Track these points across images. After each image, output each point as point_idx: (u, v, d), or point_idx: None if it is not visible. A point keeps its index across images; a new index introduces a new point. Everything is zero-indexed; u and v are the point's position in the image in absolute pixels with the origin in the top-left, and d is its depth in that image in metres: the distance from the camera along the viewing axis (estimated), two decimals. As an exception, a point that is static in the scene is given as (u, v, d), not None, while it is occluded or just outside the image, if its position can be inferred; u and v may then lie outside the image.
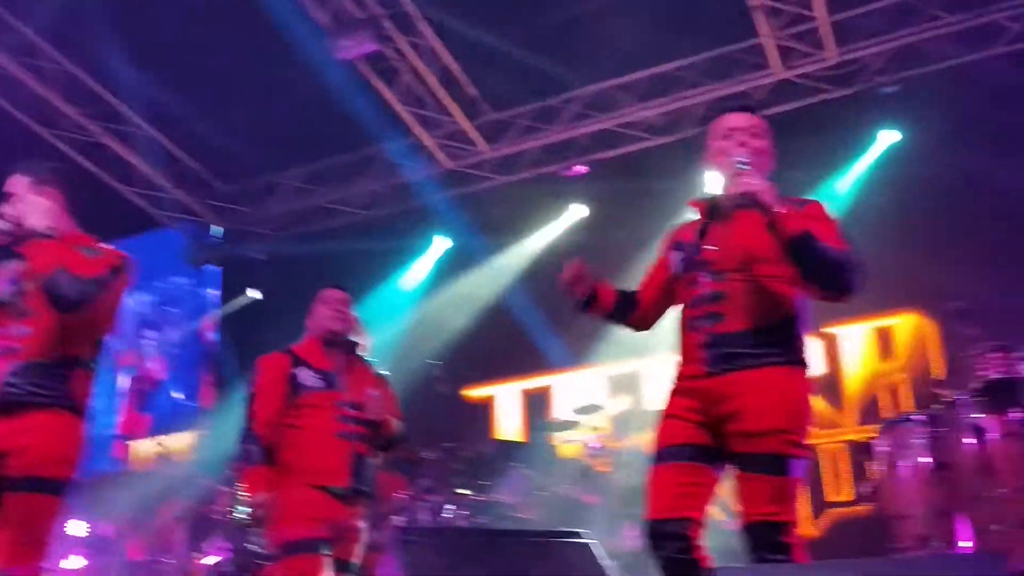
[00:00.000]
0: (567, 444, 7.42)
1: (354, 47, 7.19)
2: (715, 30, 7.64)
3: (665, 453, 2.97)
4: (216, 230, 9.93)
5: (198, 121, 8.41)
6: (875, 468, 5.36)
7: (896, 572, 2.05)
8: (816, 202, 3.03)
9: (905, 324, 7.45)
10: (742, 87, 7.80)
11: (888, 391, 7.32)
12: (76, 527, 6.77)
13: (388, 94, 8.04)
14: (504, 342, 8.54)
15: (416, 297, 9.26)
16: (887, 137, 7.66)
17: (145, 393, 8.53)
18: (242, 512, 6.01)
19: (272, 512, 3.86)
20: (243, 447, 4.00)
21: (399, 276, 9.30)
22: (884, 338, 7.54)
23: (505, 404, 8.95)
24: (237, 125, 8.26)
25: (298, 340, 4.25)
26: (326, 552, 3.82)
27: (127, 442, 8.44)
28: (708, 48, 7.90)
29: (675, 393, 3.05)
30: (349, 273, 6.25)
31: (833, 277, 2.85)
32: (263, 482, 3.91)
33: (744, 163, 2.92)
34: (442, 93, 8.18)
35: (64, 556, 6.56)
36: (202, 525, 6.46)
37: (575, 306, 3.23)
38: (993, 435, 4.75)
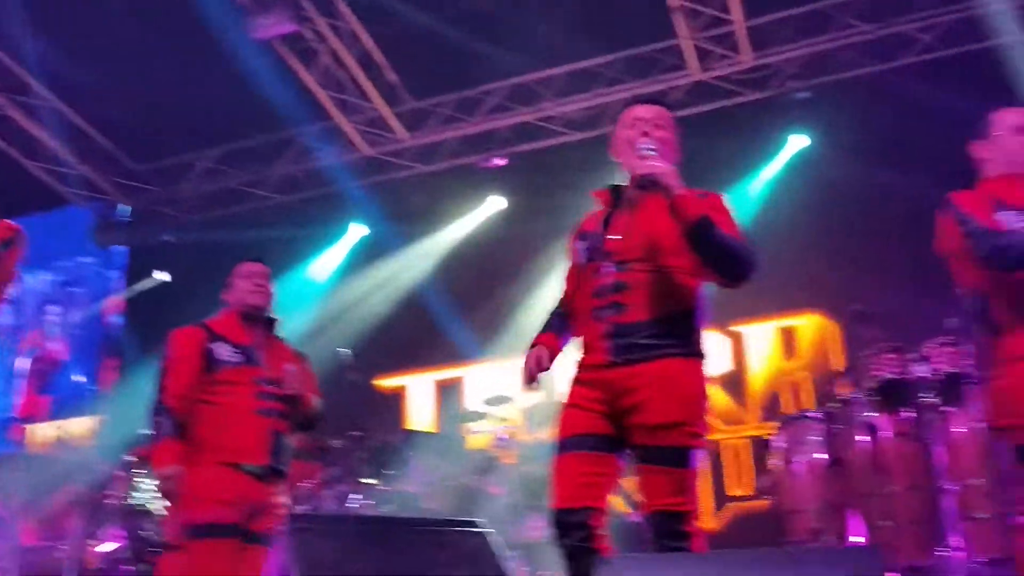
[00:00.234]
0: (476, 435, 7.43)
1: (271, 26, 7.05)
2: (635, 29, 7.73)
3: (568, 443, 2.99)
4: (124, 209, 9.66)
5: (110, 97, 8.17)
6: (773, 463, 5.52)
7: (780, 564, 2.11)
8: (717, 194, 3.09)
9: (809, 324, 7.66)
10: (660, 86, 7.89)
11: (790, 389, 7.52)
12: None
13: (306, 76, 7.92)
14: (418, 332, 8.52)
15: (330, 285, 9.16)
16: (797, 142, 7.86)
17: (46, 375, 8.28)
18: (140, 498, 5.92)
19: (182, 487, 3.75)
20: (153, 419, 3.87)
21: (312, 263, 9.18)
22: (788, 337, 7.75)
23: (417, 394, 8.93)
24: (150, 102, 8.04)
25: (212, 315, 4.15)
26: (233, 538, 3.72)
27: (25, 425, 8.17)
28: (628, 47, 7.98)
29: (578, 383, 3.07)
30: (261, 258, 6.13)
31: (729, 263, 2.92)
32: (173, 455, 3.79)
33: (648, 148, 2.96)
34: (362, 78, 8.10)
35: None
36: (98, 512, 6.28)
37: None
38: (886, 433, 4.92)
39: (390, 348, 8.54)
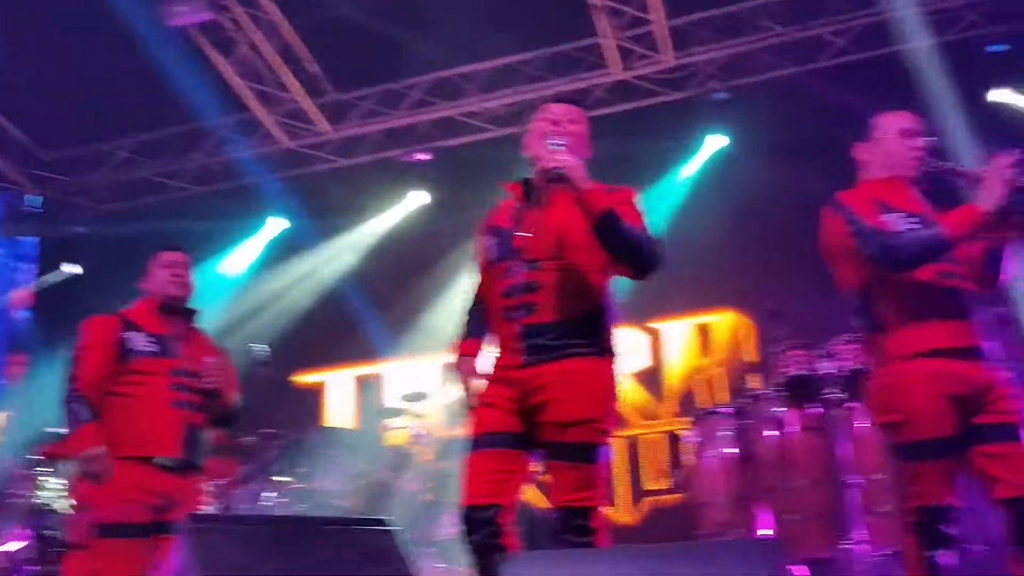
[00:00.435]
0: (394, 432, 7.39)
1: (187, 14, 6.90)
2: (559, 27, 7.75)
3: (480, 440, 3.01)
4: (33, 199, 9.35)
5: (19, 85, 7.88)
6: (686, 458, 5.61)
7: (680, 558, 2.14)
8: (627, 189, 3.12)
9: (724, 321, 7.79)
10: (582, 84, 7.94)
11: (705, 384, 7.64)
12: None
13: (224, 66, 7.76)
14: (338, 328, 8.43)
15: (246, 279, 9.00)
16: (716, 142, 7.97)
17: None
18: (45, 497, 5.75)
19: (107, 469, 3.65)
20: (67, 407, 3.77)
21: (228, 256, 9.01)
22: (704, 334, 7.87)
23: (337, 390, 8.84)
24: (62, 90, 7.79)
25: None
26: (142, 538, 3.64)
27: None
28: (551, 44, 8.00)
29: (492, 382, 3.09)
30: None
31: (635, 255, 2.95)
32: (94, 438, 3.69)
33: (557, 143, 2.98)
34: (283, 69, 7.97)
35: None
36: (2, 511, 6.09)
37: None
38: (793, 428, 5.04)
39: (309, 344, 8.44)
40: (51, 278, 9.23)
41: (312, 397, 8.79)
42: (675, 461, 6.97)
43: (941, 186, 3.37)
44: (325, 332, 8.51)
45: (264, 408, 6.47)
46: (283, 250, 8.99)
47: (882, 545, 4.73)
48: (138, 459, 3.73)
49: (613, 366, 3.06)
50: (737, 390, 5.98)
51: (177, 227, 8.20)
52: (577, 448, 2.90)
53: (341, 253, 8.81)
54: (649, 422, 7.75)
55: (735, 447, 5.18)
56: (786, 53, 7.69)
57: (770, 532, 4.95)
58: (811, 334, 5.36)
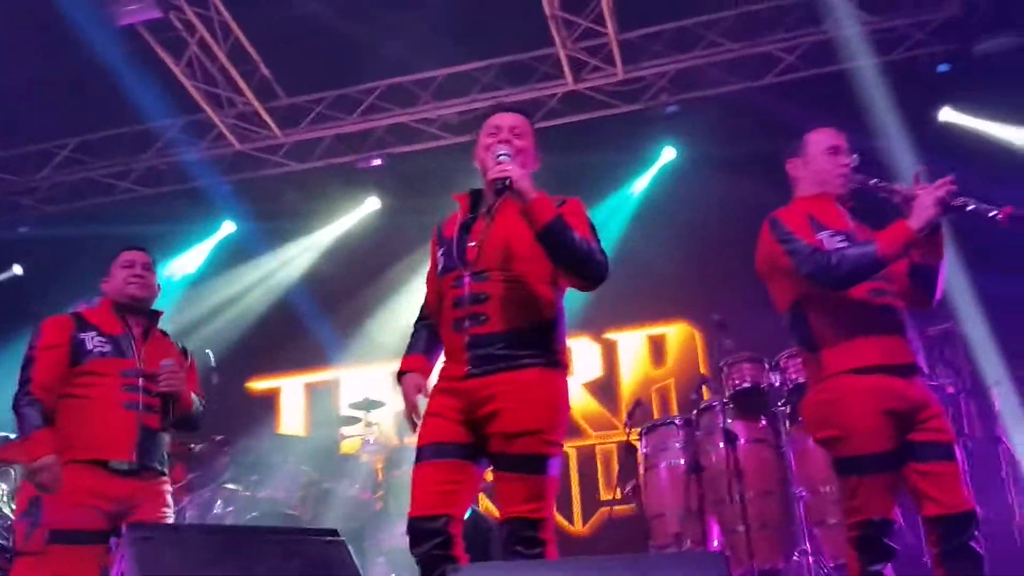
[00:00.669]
0: (347, 440, 7.33)
1: (135, 12, 6.76)
2: (513, 37, 7.76)
3: (428, 451, 2.99)
4: (-25, 199, 9.13)
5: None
6: (638, 469, 5.63)
7: (625, 570, 2.15)
8: (575, 200, 3.13)
9: (676, 333, 7.86)
10: (535, 94, 7.97)
11: (659, 395, 7.69)
12: None
13: (174, 67, 7.65)
14: (292, 334, 8.35)
15: (195, 283, 8.86)
16: (667, 155, 8.05)
17: None
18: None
19: (59, 478, 3.57)
20: (19, 412, 3.69)
21: (173, 261, 8.87)
22: (657, 345, 7.93)
23: (290, 397, 8.74)
24: (6, 87, 7.61)
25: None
26: (95, 544, 3.57)
27: None
28: (505, 53, 8.01)
29: (439, 392, 3.08)
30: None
31: (582, 265, 2.96)
32: (47, 444, 3.61)
33: (504, 154, 2.99)
34: (234, 72, 7.87)
35: None
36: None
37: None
38: (742, 440, 5.08)
39: (262, 350, 8.35)
40: (-3, 278, 9.03)
41: (267, 404, 8.67)
42: (628, 472, 6.98)
43: (874, 203, 3.42)
44: (278, 338, 8.42)
45: (212, 415, 6.38)
46: (233, 255, 8.88)
47: (829, 557, 4.80)
48: (91, 463, 3.66)
49: (563, 377, 3.06)
50: (688, 401, 6.01)
51: (124, 229, 8.06)
52: (525, 459, 2.90)
53: (294, 258, 8.73)
54: (603, 432, 7.78)
55: (684, 458, 5.22)
56: (736, 68, 7.79)
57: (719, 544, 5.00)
58: (761, 347, 5.42)
